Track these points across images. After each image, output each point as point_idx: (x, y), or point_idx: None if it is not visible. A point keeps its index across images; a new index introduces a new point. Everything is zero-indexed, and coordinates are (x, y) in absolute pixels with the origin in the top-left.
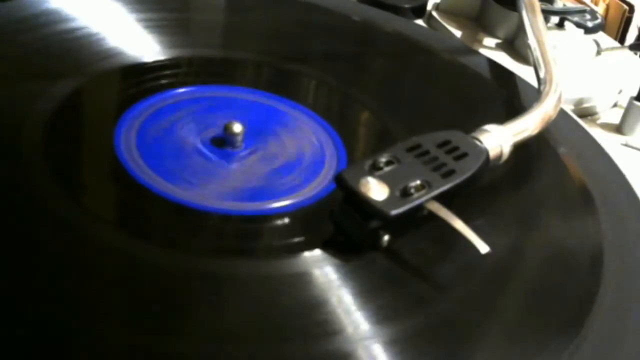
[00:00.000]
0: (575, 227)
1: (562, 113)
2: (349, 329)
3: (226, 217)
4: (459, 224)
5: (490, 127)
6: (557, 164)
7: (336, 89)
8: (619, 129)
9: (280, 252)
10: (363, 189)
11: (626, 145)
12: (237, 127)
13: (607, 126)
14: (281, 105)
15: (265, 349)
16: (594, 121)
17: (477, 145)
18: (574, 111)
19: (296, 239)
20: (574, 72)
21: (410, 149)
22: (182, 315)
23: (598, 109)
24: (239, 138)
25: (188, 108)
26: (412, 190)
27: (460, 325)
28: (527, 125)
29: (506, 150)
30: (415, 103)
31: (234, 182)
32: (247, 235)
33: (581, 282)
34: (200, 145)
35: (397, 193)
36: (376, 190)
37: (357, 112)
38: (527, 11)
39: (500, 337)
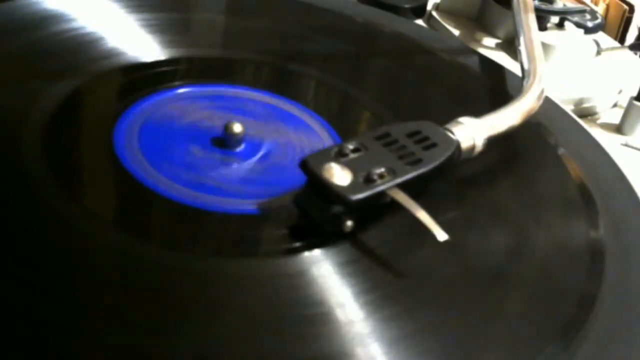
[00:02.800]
0: (575, 227)
1: (562, 113)
2: (349, 329)
3: (226, 217)
4: (420, 212)
5: (464, 120)
6: (557, 164)
7: (336, 89)
8: (619, 129)
9: (280, 251)
10: (326, 174)
11: (626, 145)
12: (237, 127)
13: (607, 126)
14: (281, 105)
15: (265, 349)
16: (594, 121)
17: (447, 136)
18: (574, 111)
19: (296, 238)
20: (574, 72)
21: (378, 138)
22: (181, 315)
23: (598, 109)
24: (239, 138)
25: (188, 108)
26: (376, 177)
27: (460, 326)
28: (504, 118)
29: (479, 142)
30: (415, 103)
31: (234, 182)
32: (248, 235)
33: (582, 282)
34: (200, 145)
35: (360, 179)
36: (339, 175)
37: (357, 112)
38: (519, 8)
39: (501, 337)
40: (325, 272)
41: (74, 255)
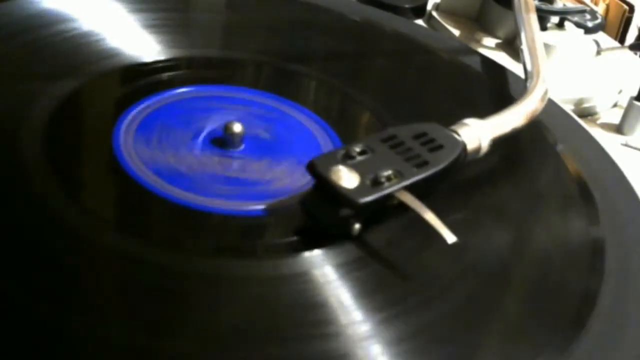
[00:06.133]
0: (575, 226)
1: (562, 113)
2: (349, 329)
3: (226, 217)
4: (428, 215)
5: (470, 121)
6: (557, 164)
7: (336, 89)
8: (619, 129)
9: (280, 252)
10: (333, 177)
11: (626, 145)
12: (237, 127)
13: (607, 126)
14: (281, 105)
15: (265, 349)
16: (594, 121)
17: (453, 138)
18: (574, 111)
19: (296, 239)
20: (574, 72)
21: (385, 140)
22: (182, 315)
23: (598, 109)
24: (239, 138)
25: (188, 108)
26: (383, 180)
27: (460, 325)
28: (509, 119)
29: (484, 144)
30: (415, 103)
31: (234, 182)
32: (247, 235)
33: (582, 282)
34: (200, 145)
35: (368, 182)
36: (347, 178)
37: (356, 112)
38: (520, 8)
39: (501, 337)
40: (326, 273)
41: (73, 255)
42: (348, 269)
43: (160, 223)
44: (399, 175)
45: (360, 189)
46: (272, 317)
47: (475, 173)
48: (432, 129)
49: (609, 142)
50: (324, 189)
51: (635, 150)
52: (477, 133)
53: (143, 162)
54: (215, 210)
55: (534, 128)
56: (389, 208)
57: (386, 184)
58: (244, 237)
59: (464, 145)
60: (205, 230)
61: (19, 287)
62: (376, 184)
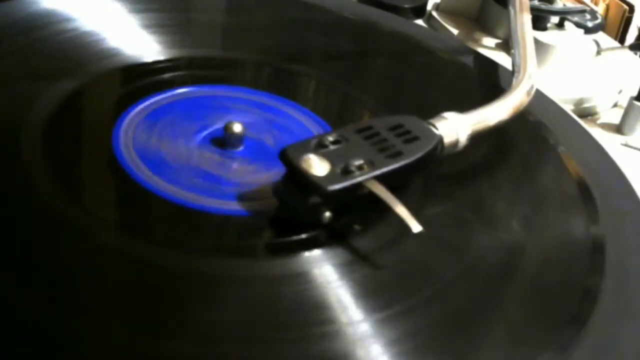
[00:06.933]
0: (575, 226)
1: (562, 113)
2: (349, 329)
3: (226, 217)
4: (396, 205)
5: (449, 115)
6: (557, 164)
7: (336, 89)
8: (619, 129)
9: (280, 252)
10: (304, 165)
11: (626, 145)
12: (237, 127)
13: (607, 126)
14: (281, 105)
15: (265, 349)
16: (594, 121)
17: (430, 131)
18: (574, 111)
19: (296, 239)
20: (574, 72)
21: (360, 130)
22: (181, 315)
23: (598, 109)
24: (239, 138)
25: (188, 108)
26: (354, 169)
27: (461, 325)
28: (490, 113)
29: (462, 137)
30: (415, 103)
31: (234, 182)
32: (247, 235)
33: (582, 282)
34: (200, 145)
35: (338, 170)
36: (317, 166)
37: (356, 112)
38: (515, 6)
39: (501, 336)
40: (326, 272)
41: (73, 255)
42: (348, 269)
43: (160, 223)
44: (371, 165)
45: (330, 177)
46: (272, 317)
47: (475, 173)
48: (410, 121)
49: (609, 142)
50: (295, 176)
51: (635, 150)
52: (454, 127)
53: (143, 162)
54: (215, 209)
55: (534, 128)
56: (361, 198)
57: (357, 173)
58: (244, 236)
59: (440, 139)
60: (205, 230)
61: (18, 286)
62: (346, 172)
